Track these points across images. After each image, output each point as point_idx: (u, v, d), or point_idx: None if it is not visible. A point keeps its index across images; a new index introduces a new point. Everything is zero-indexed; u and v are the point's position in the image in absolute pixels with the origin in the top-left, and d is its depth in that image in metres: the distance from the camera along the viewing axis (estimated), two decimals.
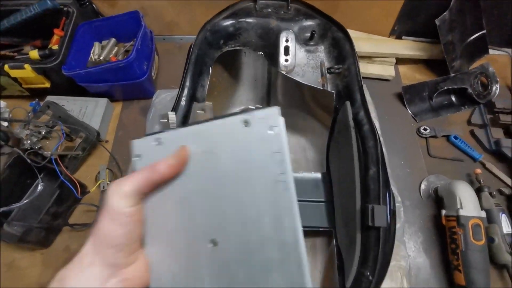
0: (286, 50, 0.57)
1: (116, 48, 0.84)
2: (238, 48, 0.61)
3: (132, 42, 0.84)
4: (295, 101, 0.74)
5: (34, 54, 0.77)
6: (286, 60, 0.56)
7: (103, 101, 0.79)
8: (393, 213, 0.47)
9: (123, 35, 0.85)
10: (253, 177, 0.27)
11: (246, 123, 0.27)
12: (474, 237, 0.59)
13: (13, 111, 0.78)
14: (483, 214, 0.61)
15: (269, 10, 0.60)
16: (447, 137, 0.79)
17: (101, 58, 0.81)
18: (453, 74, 0.83)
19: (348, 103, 0.54)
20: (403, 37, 0.91)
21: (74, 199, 0.66)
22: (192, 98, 0.54)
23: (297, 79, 0.57)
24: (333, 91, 0.56)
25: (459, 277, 0.59)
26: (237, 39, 0.60)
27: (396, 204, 0.65)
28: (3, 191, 0.62)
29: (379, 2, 0.83)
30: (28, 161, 0.62)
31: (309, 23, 0.58)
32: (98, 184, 0.69)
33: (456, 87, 0.82)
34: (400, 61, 0.90)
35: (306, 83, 0.57)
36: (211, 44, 0.58)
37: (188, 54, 0.55)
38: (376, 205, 0.45)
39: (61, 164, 0.64)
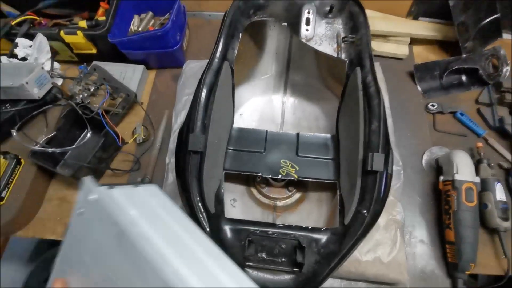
0: (307, 21, 0.64)
1: (153, 20, 0.94)
2: (265, 18, 0.68)
3: (167, 15, 0.93)
4: (312, 72, 0.82)
5: (83, 23, 0.88)
6: (307, 30, 0.64)
7: (140, 67, 0.89)
8: (390, 161, 0.54)
9: (159, 9, 0.94)
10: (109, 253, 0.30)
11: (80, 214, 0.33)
12: (467, 199, 0.65)
13: (66, 72, 0.90)
14: (477, 179, 0.67)
15: None
16: (454, 113, 0.84)
17: (140, 29, 0.91)
18: (465, 55, 0.87)
19: (358, 69, 0.61)
20: (420, 18, 0.95)
21: (116, 147, 0.77)
22: (224, 58, 0.63)
23: (316, 47, 0.64)
24: (346, 59, 0.63)
25: (449, 234, 0.66)
26: (265, 10, 0.68)
27: (397, 168, 0.72)
28: (60, 136, 0.74)
29: None
30: (80, 112, 0.74)
31: None
32: (134, 137, 0.80)
33: (467, 67, 0.86)
34: (414, 41, 0.95)
35: (323, 51, 0.64)
36: (243, 12, 0.66)
37: (223, 18, 0.63)
38: (376, 153, 0.53)
39: (106, 116, 0.74)
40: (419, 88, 0.89)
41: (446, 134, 0.83)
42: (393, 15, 0.96)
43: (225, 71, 0.63)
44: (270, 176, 0.67)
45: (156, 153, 0.81)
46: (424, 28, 0.92)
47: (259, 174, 0.67)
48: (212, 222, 0.54)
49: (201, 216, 0.53)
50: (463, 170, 0.68)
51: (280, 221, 0.69)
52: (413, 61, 0.94)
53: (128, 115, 0.87)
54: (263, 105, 0.84)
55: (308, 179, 0.67)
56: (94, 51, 0.88)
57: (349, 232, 0.52)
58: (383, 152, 0.53)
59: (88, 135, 0.74)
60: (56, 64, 0.86)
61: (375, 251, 0.63)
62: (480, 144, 0.77)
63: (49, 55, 0.84)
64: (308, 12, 0.64)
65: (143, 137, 0.81)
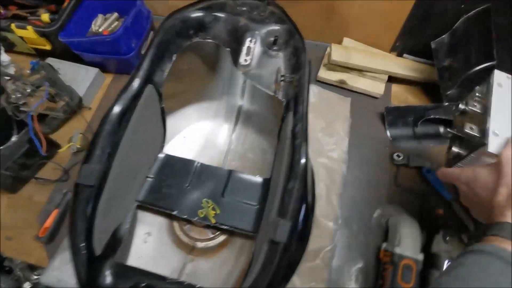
0: (248, 51, 0.57)
1: (117, 22, 0.89)
2: (209, 40, 0.62)
3: None
4: (266, 103, 0.74)
5: (45, 17, 0.84)
6: (246, 60, 0.57)
7: (94, 70, 0.84)
8: (302, 232, 0.47)
9: (126, 11, 0.89)
10: None
11: None
12: (403, 278, 0.56)
13: (21, 64, 0.86)
14: (420, 257, 0.58)
15: (244, 8, 0.60)
16: (420, 168, 0.75)
17: (101, 29, 0.86)
18: (446, 104, 0.77)
19: (291, 114, 0.53)
20: (404, 55, 0.85)
21: (42, 157, 0.72)
22: (147, 80, 0.57)
23: (254, 81, 0.57)
24: (283, 100, 0.56)
25: None
26: (207, 31, 0.61)
27: (334, 226, 0.64)
28: None
29: (382, 14, 0.78)
30: (9, 113, 0.69)
31: (276, 27, 0.57)
32: (68, 146, 0.75)
33: (445, 117, 0.76)
34: (395, 80, 0.85)
35: (259, 86, 0.57)
36: (179, 33, 0.59)
37: (153, 37, 0.57)
38: (282, 220, 0.46)
39: (36, 121, 0.70)
40: (388, 133, 0.79)
41: (408, 191, 0.73)
42: (377, 48, 0.86)
43: (148, 94, 0.56)
44: (185, 216, 0.60)
45: None
46: (406, 67, 0.82)
47: (173, 213, 0.61)
48: (93, 266, 0.48)
49: (77, 258, 0.47)
50: (406, 242, 0.59)
51: (191, 266, 0.62)
52: (389, 101, 0.84)
53: (72, 120, 0.83)
54: (210, 130, 0.77)
55: (225, 227, 0.60)
56: (48, 47, 0.84)
57: None
58: (292, 220, 0.46)
59: (13, 139, 0.70)
60: (5, 57, 0.83)
61: None
62: (441, 211, 0.67)
63: None
64: (250, 41, 0.56)
65: (79, 146, 0.76)
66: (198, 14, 0.59)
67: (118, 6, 0.89)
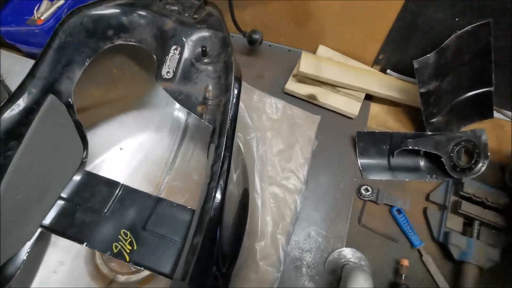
0: (172, 61, 0.47)
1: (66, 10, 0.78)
2: (133, 43, 0.51)
3: None
4: None
5: None
6: (168, 73, 0.46)
7: (31, 63, 0.75)
8: None
9: None
10: None
11: None
12: None
13: None
14: None
15: (175, 8, 0.50)
16: (390, 207, 0.64)
17: (43, 17, 0.76)
18: (429, 133, 0.66)
19: (213, 147, 0.43)
20: (388, 70, 0.73)
21: None
22: (49, 90, 0.47)
23: (176, 99, 0.46)
24: (210, 125, 0.45)
25: None
26: (131, 33, 0.50)
27: (275, 273, 0.54)
28: None
29: (364, 20, 0.66)
30: None
31: (208, 34, 0.46)
32: None
33: (426, 150, 0.65)
34: (375, 98, 0.74)
35: (182, 105, 0.46)
36: (93, 32, 0.49)
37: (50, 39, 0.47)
38: (176, 282, 0.36)
39: None
40: (358, 162, 0.68)
41: (371, 233, 0.63)
42: (358, 60, 0.75)
43: (49, 107, 0.46)
44: (95, 249, 0.51)
45: None
46: (388, 85, 0.71)
47: (83, 244, 0.52)
48: None
49: None
50: None
51: None
52: (365, 122, 0.73)
53: None
54: (152, 143, 0.67)
55: (140, 267, 0.50)
56: None
57: None
58: (191, 284, 0.36)
59: None
60: None
61: None
62: (406, 262, 0.57)
63: None
64: (175, 49, 0.46)
65: None
66: (115, 11, 0.48)
67: None
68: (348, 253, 0.60)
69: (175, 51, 0.46)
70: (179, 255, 0.51)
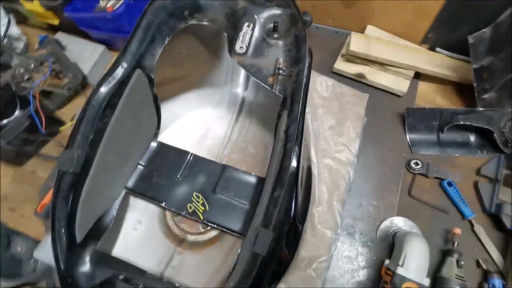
0: (244, 37, 0.51)
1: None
2: (205, 23, 0.56)
3: None
4: (268, 92, 0.67)
5: None
6: (241, 48, 0.51)
7: (100, 48, 0.82)
8: (287, 244, 0.42)
9: None
10: None
11: None
12: None
13: (30, 39, 0.86)
14: (425, 282, 0.51)
15: None
16: (441, 180, 0.66)
17: (108, 6, 0.83)
18: (480, 109, 0.67)
19: (285, 113, 0.47)
20: (437, 49, 0.74)
21: (42, 134, 0.72)
22: (136, 65, 0.53)
23: (250, 71, 0.51)
24: (280, 95, 0.50)
25: None
26: (205, 13, 0.55)
27: (331, 236, 0.58)
28: None
29: (413, 0, 0.68)
30: (13, 88, 0.69)
31: (278, 12, 0.50)
32: (70, 124, 0.75)
33: (478, 125, 0.66)
34: (423, 77, 0.75)
35: (254, 77, 0.51)
36: (172, 13, 0.54)
37: (139, 18, 0.52)
38: (264, 231, 0.41)
39: (37, 98, 0.69)
40: (407, 137, 0.71)
41: (422, 204, 0.65)
42: (406, 39, 0.76)
43: (136, 80, 0.53)
44: (173, 209, 0.58)
45: None
46: (438, 63, 0.72)
47: (161, 204, 0.58)
48: (72, 253, 0.47)
49: (56, 245, 0.46)
50: (411, 264, 0.52)
51: (178, 259, 0.60)
52: (413, 101, 0.75)
53: (77, 98, 0.82)
54: (211, 119, 0.73)
55: (213, 225, 0.56)
56: (56, 22, 0.83)
57: None
58: (275, 231, 0.41)
59: (16, 113, 0.70)
60: (15, 29, 0.82)
61: None
62: (458, 231, 0.59)
63: (5, 19, 0.80)
64: (248, 26, 0.50)
65: None
66: None
67: None
68: (400, 222, 0.63)
69: (247, 27, 0.50)
70: (248, 215, 0.56)
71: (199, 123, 0.72)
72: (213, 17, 0.54)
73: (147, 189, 0.59)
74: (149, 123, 0.60)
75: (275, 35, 0.50)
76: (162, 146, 0.63)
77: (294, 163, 0.42)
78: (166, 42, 0.54)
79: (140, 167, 0.61)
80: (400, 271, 0.52)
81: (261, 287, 0.42)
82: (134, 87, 0.52)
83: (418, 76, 0.75)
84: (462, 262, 0.56)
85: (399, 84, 0.73)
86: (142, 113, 0.58)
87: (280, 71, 0.48)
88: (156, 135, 0.63)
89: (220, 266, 0.58)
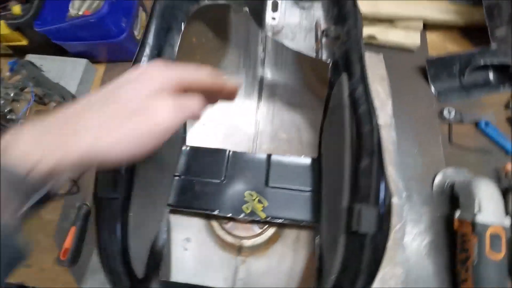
0: (275, 6, 0.46)
1: (98, 1, 0.75)
2: (221, 1, 0.50)
3: None
4: (289, 70, 0.63)
5: (17, 9, 0.70)
6: (274, 19, 0.45)
7: (82, 62, 0.72)
8: (385, 217, 0.38)
9: None
10: None
11: None
12: (492, 248, 0.48)
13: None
14: (507, 222, 0.50)
15: None
16: (476, 123, 0.66)
17: (81, 12, 0.73)
18: (494, 45, 0.67)
19: (344, 76, 0.43)
20: None
21: None
22: (157, 59, 0.46)
23: (286, 43, 0.46)
24: (328, 61, 0.45)
25: None
26: None
27: (398, 202, 0.55)
28: None
29: None
30: None
31: None
32: None
33: (496, 61, 0.66)
34: (429, 27, 0.75)
35: (295, 48, 0.46)
36: None
37: (152, 6, 0.45)
38: (365, 206, 0.36)
39: None
40: (432, 89, 0.70)
41: (465, 150, 0.65)
42: None
43: None
44: (230, 215, 0.51)
45: None
46: (443, 9, 0.72)
47: (214, 213, 0.51)
48: None
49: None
50: (489, 208, 0.51)
51: (244, 269, 0.53)
52: (426, 53, 0.74)
53: None
54: (232, 112, 0.66)
55: (279, 220, 0.51)
56: (24, 42, 0.71)
57: None
58: (376, 205, 0.37)
59: None
60: None
61: None
62: (509, 166, 0.59)
63: None
64: None
65: None
66: None
67: None
68: (452, 172, 0.62)
69: None
70: (313, 200, 0.51)
71: (220, 119, 0.66)
72: None
73: (193, 200, 0.52)
74: None
75: None
76: (194, 151, 0.56)
77: (375, 127, 0.38)
78: (182, 29, 0.48)
79: (177, 179, 0.53)
80: (480, 218, 0.50)
81: (369, 274, 0.37)
82: None
83: (425, 27, 0.74)
84: None
85: (411, 37, 0.72)
86: None
87: (327, 33, 0.44)
88: (184, 139, 0.56)
89: (293, 264, 0.53)
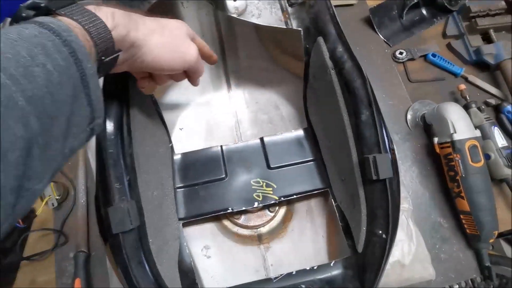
0: None
1: None
2: None
3: None
4: (256, 51, 0.62)
5: None
6: (235, 0, 0.44)
7: None
8: (394, 162, 0.40)
9: None
10: None
11: None
12: (473, 159, 0.55)
13: None
14: (477, 133, 0.57)
15: None
16: (425, 56, 0.72)
17: None
18: None
19: (320, 39, 0.43)
20: None
21: (20, 229, 0.54)
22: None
23: (254, 21, 0.45)
24: (299, 28, 0.45)
25: (462, 204, 0.56)
26: None
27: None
28: None
29: None
30: None
31: None
32: (44, 202, 0.57)
33: None
34: None
35: (266, 24, 0.45)
36: None
37: None
38: (378, 155, 0.38)
39: None
40: (380, 35, 0.74)
41: (423, 83, 0.71)
42: None
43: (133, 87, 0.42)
44: (243, 208, 0.50)
45: (84, 212, 0.59)
46: None
47: (228, 211, 0.50)
48: None
49: None
50: (461, 126, 0.57)
51: (270, 255, 0.54)
52: (365, 4, 0.78)
53: None
54: (206, 108, 0.64)
55: (293, 196, 0.51)
56: None
57: (368, 263, 0.39)
58: (386, 151, 0.39)
59: None
60: None
61: (392, 254, 0.52)
62: (462, 86, 0.66)
63: None
64: None
65: (57, 197, 0.58)
66: None
67: None
68: (419, 106, 0.68)
69: None
70: (318, 168, 0.52)
71: (196, 120, 0.63)
72: None
73: (202, 206, 0.50)
74: (162, 136, 0.50)
75: None
76: (186, 156, 0.53)
77: (366, 79, 0.40)
78: None
79: (180, 190, 0.51)
80: (457, 137, 0.56)
81: (395, 216, 0.40)
82: (133, 95, 0.41)
83: None
84: (483, 107, 0.64)
85: None
86: (153, 126, 0.47)
87: (292, 1, 0.44)
88: (172, 149, 0.53)
89: (316, 234, 0.54)
